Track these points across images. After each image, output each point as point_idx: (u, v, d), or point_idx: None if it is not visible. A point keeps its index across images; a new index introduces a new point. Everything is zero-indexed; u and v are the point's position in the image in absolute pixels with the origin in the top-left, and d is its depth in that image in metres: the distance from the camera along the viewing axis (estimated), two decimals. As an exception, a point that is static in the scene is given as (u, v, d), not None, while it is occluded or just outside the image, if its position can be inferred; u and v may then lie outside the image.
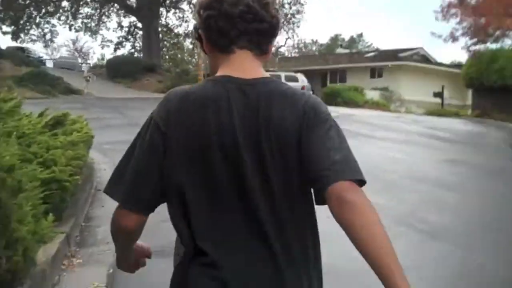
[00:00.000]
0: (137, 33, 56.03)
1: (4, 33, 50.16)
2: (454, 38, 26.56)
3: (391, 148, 13.79)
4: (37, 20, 52.34)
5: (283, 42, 66.59)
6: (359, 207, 1.42)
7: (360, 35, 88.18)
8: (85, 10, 54.51)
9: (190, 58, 71.62)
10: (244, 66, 1.65)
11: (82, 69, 50.91)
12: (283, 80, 31.83)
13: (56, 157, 6.36)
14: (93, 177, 9.05)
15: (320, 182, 1.49)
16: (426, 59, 50.24)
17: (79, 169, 7.13)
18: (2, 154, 4.10)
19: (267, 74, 1.69)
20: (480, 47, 27.10)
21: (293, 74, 34.03)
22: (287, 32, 62.65)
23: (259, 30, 1.64)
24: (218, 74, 1.65)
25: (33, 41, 54.62)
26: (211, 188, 1.55)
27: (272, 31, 1.68)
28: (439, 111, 31.61)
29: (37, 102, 17.94)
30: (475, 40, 26.55)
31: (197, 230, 1.55)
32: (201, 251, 1.55)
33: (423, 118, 25.50)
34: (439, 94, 37.45)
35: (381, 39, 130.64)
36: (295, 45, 79.33)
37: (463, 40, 27.03)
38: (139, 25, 52.79)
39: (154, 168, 1.56)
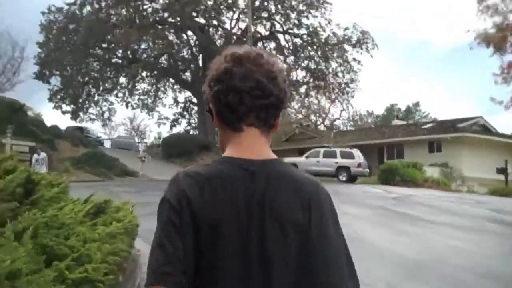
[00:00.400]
0: (192, 109, 56.91)
1: (64, 112, 51.79)
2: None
3: (454, 237, 12.79)
4: (96, 98, 53.81)
5: (338, 114, 66.22)
6: None
7: (417, 104, 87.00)
8: (142, 86, 55.84)
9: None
10: (252, 145, 1.70)
11: (139, 149, 51.59)
12: (338, 156, 32.05)
13: (92, 252, 5.87)
14: (137, 272, 8.41)
15: None
16: (486, 129, 48.32)
17: (116, 266, 6.61)
18: (3, 258, 3.61)
19: (274, 155, 1.73)
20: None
21: (348, 149, 33.40)
22: (341, 104, 62.50)
23: (266, 106, 1.69)
24: (227, 153, 1.72)
25: (91, 120, 56.13)
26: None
27: (279, 104, 1.73)
28: (504, 190, 29.96)
29: (90, 185, 17.88)
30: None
31: None
32: None
33: (487, 199, 24.17)
34: (502, 170, 35.59)
35: (437, 107, 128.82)
36: (350, 117, 79.00)
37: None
38: (195, 100, 53.54)
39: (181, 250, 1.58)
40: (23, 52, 50.24)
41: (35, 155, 20.37)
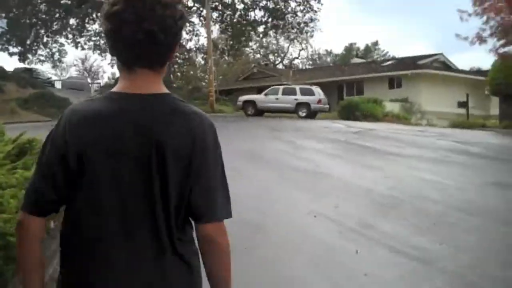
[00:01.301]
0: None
1: (11, 54, 49.22)
2: (481, 40, 24.67)
3: (425, 170, 12.01)
4: (44, 39, 51.41)
5: (296, 53, 65.18)
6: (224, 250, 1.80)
7: (376, 43, 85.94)
8: (93, 27, 53.58)
9: (202, 75, 70.66)
10: (142, 82, 1.74)
11: (91, 90, 49.80)
12: (298, 93, 31.27)
13: (4, 200, 4.72)
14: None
15: (195, 217, 1.77)
16: (447, 66, 48.15)
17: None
18: None
19: (165, 90, 1.79)
20: (510, 49, 25.06)
21: (308, 87, 32.54)
22: (300, 43, 61.32)
23: (157, 53, 1.73)
24: (117, 88, 1.76)
25: (41, 61, 53.49)
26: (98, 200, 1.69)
27: (170, 48, 1.76)
28: (465, 123, 29.57)
29: (39, 126, 16.77)
30: (504, 41, 24.58)
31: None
32: None
33: (450, 132, 23.56)
34: (463, 104, 35.28)
35: (397, 46, 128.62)
36: (309, 57, 77.97)
37: (491, 42, 25.11)
38: (149, 42, 51.59)
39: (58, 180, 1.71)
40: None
41: None
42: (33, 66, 51.75)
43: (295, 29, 50.93)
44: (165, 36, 1.69)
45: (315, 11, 48.52)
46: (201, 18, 51.71)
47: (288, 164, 12.47)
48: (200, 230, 1.78)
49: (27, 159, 6.18)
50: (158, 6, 1.66)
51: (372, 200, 8.82)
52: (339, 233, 6.89)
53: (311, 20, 49.56)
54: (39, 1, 48.55)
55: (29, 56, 50.43)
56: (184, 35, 58.77)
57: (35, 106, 30.08)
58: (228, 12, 51.43)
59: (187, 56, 57.37)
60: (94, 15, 49.26)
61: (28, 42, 49.38)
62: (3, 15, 47.25)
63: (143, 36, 1.65)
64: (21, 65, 50.73)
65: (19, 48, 49.06)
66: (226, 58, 59.49)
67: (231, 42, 53.27)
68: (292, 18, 49.89)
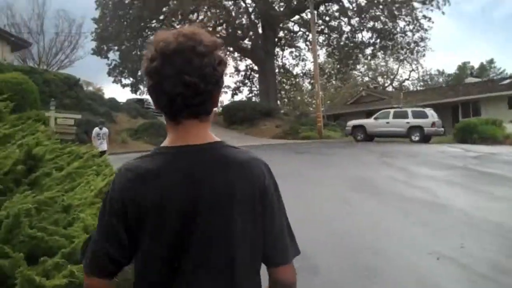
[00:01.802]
0: (254, 76, 55.29)
1: (124, 86, 51.35)
2: None
3: None
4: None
5: (406, 75, 63.12)
6: None
7: (491, 61, 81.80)
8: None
9: (309, 100, 70.15)
10: (190, 134, 1.75)
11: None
12: (410, 116, 29.81)
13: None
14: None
15: (266, 262, 1.81)
16: None
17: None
18: None
19: (216, 138, 1.79)
20: None
21: (420, 109, 31.00)
22: (410, 64, 59.33)
23: (199, 103, 1.72)
24: (165, 142, 1.79)
25: (152, 92, 55.21)
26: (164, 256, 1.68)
27: (213, 95, 1.76)
28: None
29: None
30: None
31: None
32: None
33: None
34: None
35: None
36: (420, 78, 75.46)
37: None
38: (256, 67, 51.89)
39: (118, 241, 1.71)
40: (80, 29, 50.22)
41: (96, 129, 19.30)
42: (144, 96, 53.40)
43: (405, 50, 49.47)
44: (206, 85, 1.70)
45: (426, 30, 46.95)
46: (307, 42, 51.43)
47: (401, 194, 11.49)
48: (272, 273, 1.84)
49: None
50: (194, 56, 1.68)
51: (504, 238, 7.68)
52: (470, 281, 5.87)
53: (422, 39, 48.00)
54: (149, 33, 50.21)
55: (140, 87, 52.21)
56: (291, 60, 59.31)
57: (144, 136, 30.70)
58: (335, 35, 50.86)
59: (294, 82, 57.39)
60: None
61: (139, 73, 51.04)
62: (116, 47, 49.27)
63: (184, 89, 1.67)
64: (133, 95, 52.49)
65: (131, 79, 50.94)
66: (334, 82, 58.98)
67: (338, 66, 52.60)
68: (402, 38, 48.44)
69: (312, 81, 52.64)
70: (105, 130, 19.60)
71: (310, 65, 53.56)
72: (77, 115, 23.01)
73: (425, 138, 29.13)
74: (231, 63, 57.10)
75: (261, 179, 1.76)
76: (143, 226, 1.68)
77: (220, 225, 1.68)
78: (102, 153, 16.27)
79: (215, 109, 1.84)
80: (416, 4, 46.28)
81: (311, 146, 26.92)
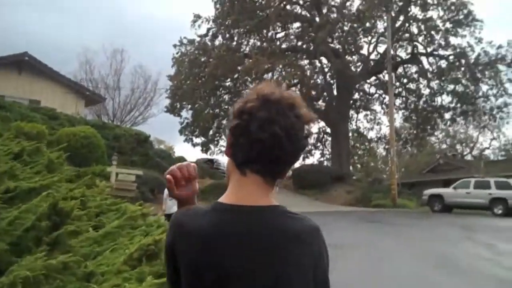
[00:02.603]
0: (326, 139, 54.40)
1: (195, 145, 51.38)
2: None
3: None
4: (226, 130, 52.90)
5: (487, 143, 60.67)
6: None
7: None
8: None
9: (383, 166, 68.48)
10: (251, 192, 1.74)
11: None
12: (492, 187, 27.87)
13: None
14: None
15: None
16: None
17: None
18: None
19: (274, 203, 1.76)
20: None
21: (504, 180, 29.03)
22: (491, 131, 56.82)
23: (275, 159, 1.72)
24: (224, 198, 1.79)
25: (222, 152, 55.15)
26: None
27: (290, 160, 1.76)
28: None
29: None
30: None
31: None
32: None
33: None
34: None
35: None
36: (501, 147, 72.28)
37: None
38: (329, 130, 51.07)
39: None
40: (156, 85, 51.21)
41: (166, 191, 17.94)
42: (214, 156, 53.41)
43: (487, 115, 47.28)
44: (289, 143, 1.70)
45: (510, 95, 44.69)
46: (383, 105, 50.34)
47: (489, 275, 10.17)
48: None
49: (145, 266, 4.88)
50: (291, 113, 1.72)
51: None
52: None
53: (505, 105, 45.65)
54: (222, 91, 50.52)
55: (211, 146, 52.26)
56: (365, 123, 57.93)
57: (211, 197, 30.14)
58: (412, 98, 49.54)
59: (367, 147, 55.98)
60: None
61: (211, 133, 51.23)
62: (189, 106, 49.72)
63: (268, 136, 1.68)
64: (203, 155, 52.52)
65: (202, 138, 51.04)
66: (409, 148, 57.14)
67: (415, 131, 51.02)
68: (484, 103, 46.39)
69: (387, 147, 51.15)
70: None
71: (385, 130, 52.37)
72: (139, 172, 22.70)
73: (510, 211, 27.03)
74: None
75: (319, 245, 1.75)
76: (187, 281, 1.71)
77: None
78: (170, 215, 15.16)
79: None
80: (501, 67, 44.34)
81: (384, 215, 25.96)
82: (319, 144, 55.12)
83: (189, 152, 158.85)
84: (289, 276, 1.66)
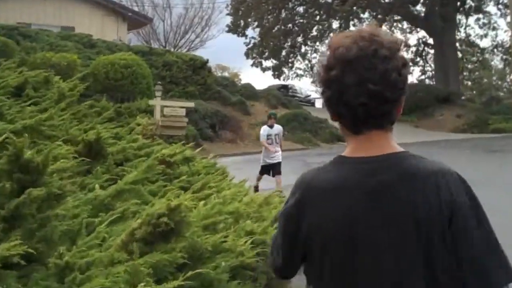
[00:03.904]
0: (427, 52, 51.94)
1: (264, 69, 50.13)
2: None
3: None
4: (302, 49, 51.37)
5: None
6: None
7: None
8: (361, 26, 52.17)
9: (499, 83, 65.43)
10: (373, 143, 1.90)
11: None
12: None
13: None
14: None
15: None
16: None
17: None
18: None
19: (400, 148, 1.93)
20: None
21: None
22: None
23: (383, 113, 1.86)
24: (346, 152, 1.97)
25: (299, 76, 53.93)
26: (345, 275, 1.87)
27: (397, 103, 1.88)
28: None
29: (286, 156, 16.26)
30: None
31: None
32: None
33: None
34: None
35: None
36: None
37: None
38: (430, 40, 48.48)
39: (297, 256, 2.03)
40: (214, 0, 49.75)
41: (266, 128, 14.87)
42: (289, 82, 51.94)
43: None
44: (392, 93, 1.82)
45: None
46: (501, 5, 47.03)
47: None
48: None
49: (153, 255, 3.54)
50: (378, 62, 1.79)
51: None
52: None
53: None
54: (296, 2, 48.67)
55: (284, 70, 50.84)
56: (477, 30, 54.77)
57: (286, 130, 28.99)
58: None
59: (480, 58, 52.90)
60: (360, 12, 47.99)
61: (283, 53, 49.73)
62: (256, 23, 48.19)
63: (368, 99, 1.79)
64: (276, 82, 51.25)
65: (273, 61, 49.67)
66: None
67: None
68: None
69: (505, 56, 48.28)
70: (278, 128, 15.07)
71: (503, 35, 49.33)
72: (190, 104, 21.70)
73: None
74: (398, 36, 54.20)
75: (452, 196, 1.79)
76: (316, 242, 1.91)
77: (395, 244, 1.79)
78: (274, 168, 13.96)
79: None
80: None
81: (508, 143, 24.72)
82: (418, 59, 53.01)
83: (258, 78, 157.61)
84: (406, 220, 1.77)
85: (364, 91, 1.76)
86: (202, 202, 5.35)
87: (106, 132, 7.85)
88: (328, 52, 1.87)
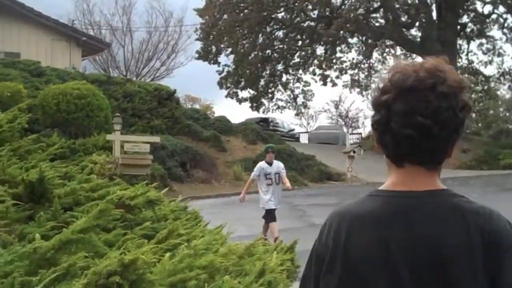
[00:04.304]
0: (424, 81, 52.17)
1: (240, 100, 49.94)
2: None
3: None
4: (283, 78, 51.52)
5: None
6: None
7: None
8: (349, 56, 52.28)
9: (507, 114, 65.90)
10: (413, 179, 2.03)
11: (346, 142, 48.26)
12: None
13: None
14: None
15: None
16: None
17: None
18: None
19: (442, 186, 2.06)
20: None
21: None
22: None
23: (430, 150, 1.99)
24: (385, 186, 2.12)
25: (280, 108, 53.85)
26: None
27: (447, 144, 2.02)
28: None
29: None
30: None
31: None
32: None
33: None
34: None
35: None
36: None
37: None
38: (428, 67, 48.88)
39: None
40: (181, 24, 49.82)
41: (263, 166, 13.97)
42: (270, 115, 51.94)
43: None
44: (440, 131, 1.94)
45: None
46: (506, 29, 47.53)
47: None
48: None
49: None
50: (433, 97, 1.93)
51: None
52: None
53: None
54: (274, 26, 48.88)
55: (264, 101, 50.84)
56: (481, 56, 55.34)
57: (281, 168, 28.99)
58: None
59: (485, 87, 53.24)
60: (348, 37, 48.22)
61: (262, 83, 49.76)
62: (229, 49, 48.23)
63: (414, 131, 1.93)
64: (255, 114, 51.25)
65: (250, 91, 49.63)
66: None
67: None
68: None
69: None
70: (278, 166, 14.18)
71: (510, 62, 49.73)
72: (155, 138, 21.62)
73: None
74: (390, 62, 54.78)
75: (496, 233, 1.92)
76: (346, 273, 2.02)
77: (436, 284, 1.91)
78: (270, 213, 13.35)
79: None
80: None
81: None
82: (414, 88, 53.10)
83: (234, 111, 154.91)
84: (457, 259, 1.90)
85: (412, 123, 1.90)
86: (167, 255, 4.84)
87: (53, 172, 7.40)
88: (387, 76, 2.02)
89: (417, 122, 1.89)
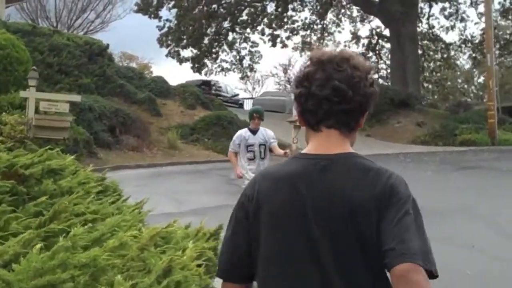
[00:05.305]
0: (382, 46, 52.35)
1: (182, 60, 49.25)
2: None
3: None
4: (230, 36, 51.06)
5: None
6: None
7: None
8: (301, 15, 51.95)
9: (465, 86, 66.54)
10: (329, 143, 2.55)
11: (294, 110, 48.10)
12: None
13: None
14: None
15: (387, 261, 2.28)
16: None
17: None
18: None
19: (352, 150, 2.59)
20: None
21: None
22: None
23: (346, 111, 2.51)
24: (305, 150, 2.64)
25: (224, 70, 53.26)
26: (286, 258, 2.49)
27: (360, 109, 2.56)
28: None
29: (205, 170, 16.80)
30: None
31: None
32: None
33: None
34: None
35: None
36: None
37: None
38: (386, 32, 48.74)
39: (243, 244, 2.61)
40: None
41: (243, 134, 11.77)
42: (213, 77, 51.39)
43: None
44: (354, 94, 2.46)
45: None
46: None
47: None
48: (392, 273, 2.25)
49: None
50: (347, 67, 2.48)
51: None
52: None
53: None
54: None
55: (207, 62, 50.30)
56: (442, 21, 55.36)
57: (205, 137, 28.72)
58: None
59: (444, 55, 53.38)
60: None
61: (206, 41, 49.18)
62: (172, 2, 47.54)
63: (330, 91, 2.46)
64: (196, 76, 51.07)
65: (193, 50, 49.07)
66: (507, 58, 54.83)
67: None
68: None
69: (474, 55, 48.79)
70: (264, 134, 11.84)
71: (473, 29, 50.07)
72: (76, 97, 20.74)
73: None
74: (346, 26, 54.40)
75: (390, 190, 2.39)
76: (264, 227, 2.52)
77: (340, 232, 2.39)
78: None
79: None
80: None
81: (482, 157, 25.30)
82: (370, 53, 53.56)
83: (175, 72, 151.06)
84: (357, 207, 2.37)
85: (329, 85, 2.44)
86: (38, 246, 3.98)
87: None
88: (308, 59, 2.59)
89: (334, 85, 2.41)
